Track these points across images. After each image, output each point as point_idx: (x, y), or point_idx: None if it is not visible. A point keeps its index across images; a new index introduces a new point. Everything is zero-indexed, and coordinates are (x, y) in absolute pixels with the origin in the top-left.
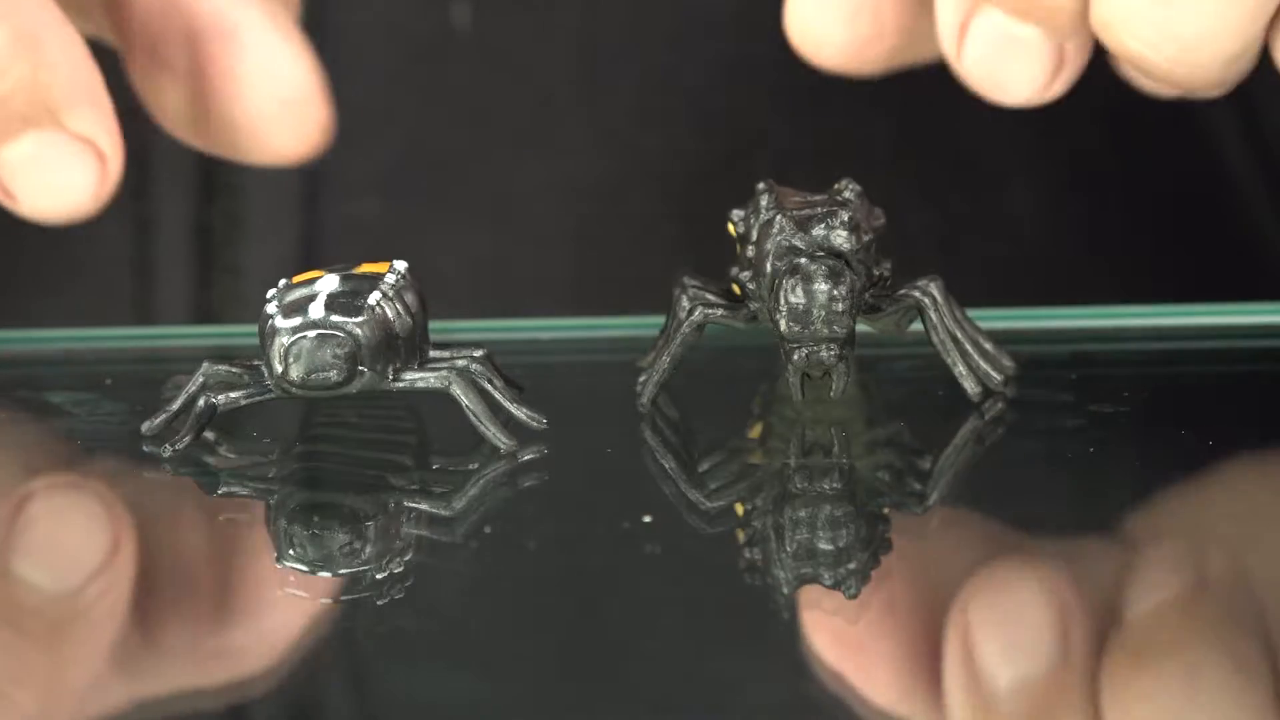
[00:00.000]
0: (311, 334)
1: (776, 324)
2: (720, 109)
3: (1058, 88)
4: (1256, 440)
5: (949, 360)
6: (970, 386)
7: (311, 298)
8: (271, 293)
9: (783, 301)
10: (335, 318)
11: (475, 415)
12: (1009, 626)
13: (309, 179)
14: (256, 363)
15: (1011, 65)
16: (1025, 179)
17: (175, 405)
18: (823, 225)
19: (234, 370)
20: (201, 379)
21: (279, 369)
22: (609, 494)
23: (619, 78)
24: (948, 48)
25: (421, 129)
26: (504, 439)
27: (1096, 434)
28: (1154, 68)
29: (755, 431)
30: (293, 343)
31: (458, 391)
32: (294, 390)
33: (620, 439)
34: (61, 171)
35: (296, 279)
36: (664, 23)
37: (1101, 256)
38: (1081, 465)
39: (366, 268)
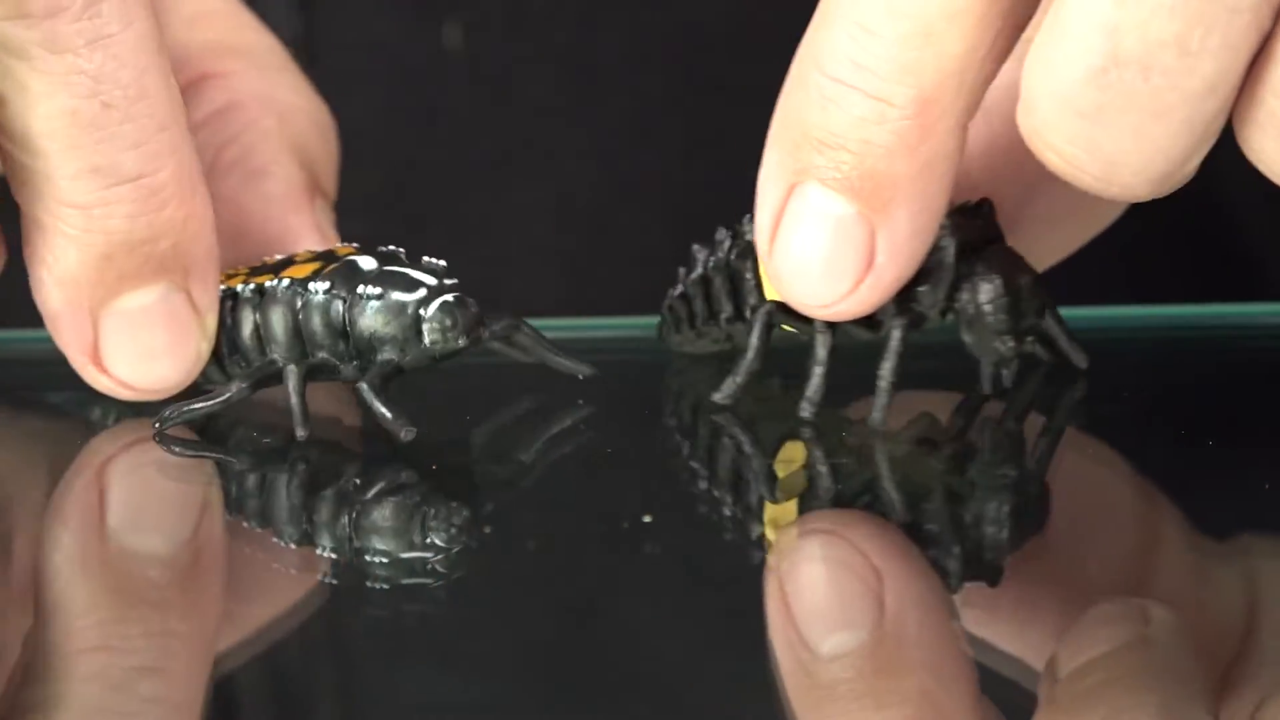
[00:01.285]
0: (449, 297)
1: (978, 318)
2: (713, 129)
3: (867, 295)
4: (1256, 439)
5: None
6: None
7: (390, 273)
8: (320, 285)
9: (983, 295)
10: (448, 281)
11: (546, 349)
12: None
13: None
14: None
15: (817, 258)
16: None
17: (209, 405)
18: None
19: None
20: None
21: (434, 336)
22: (609, 493)
23: (612, 98)
24: (760, 242)
25: (413, 150)
26: (581, 366)
27: (1097, 434)
28: (1081, 184)
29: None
30: (443, 304)
31: (526, 332)
32: (435, 356)
33: (623, 438)
34: (168, 341)
35: (302, 267)
36: (656, 43)
37: (1102, 257)
38: (1082, 465)
39: (336, 248)
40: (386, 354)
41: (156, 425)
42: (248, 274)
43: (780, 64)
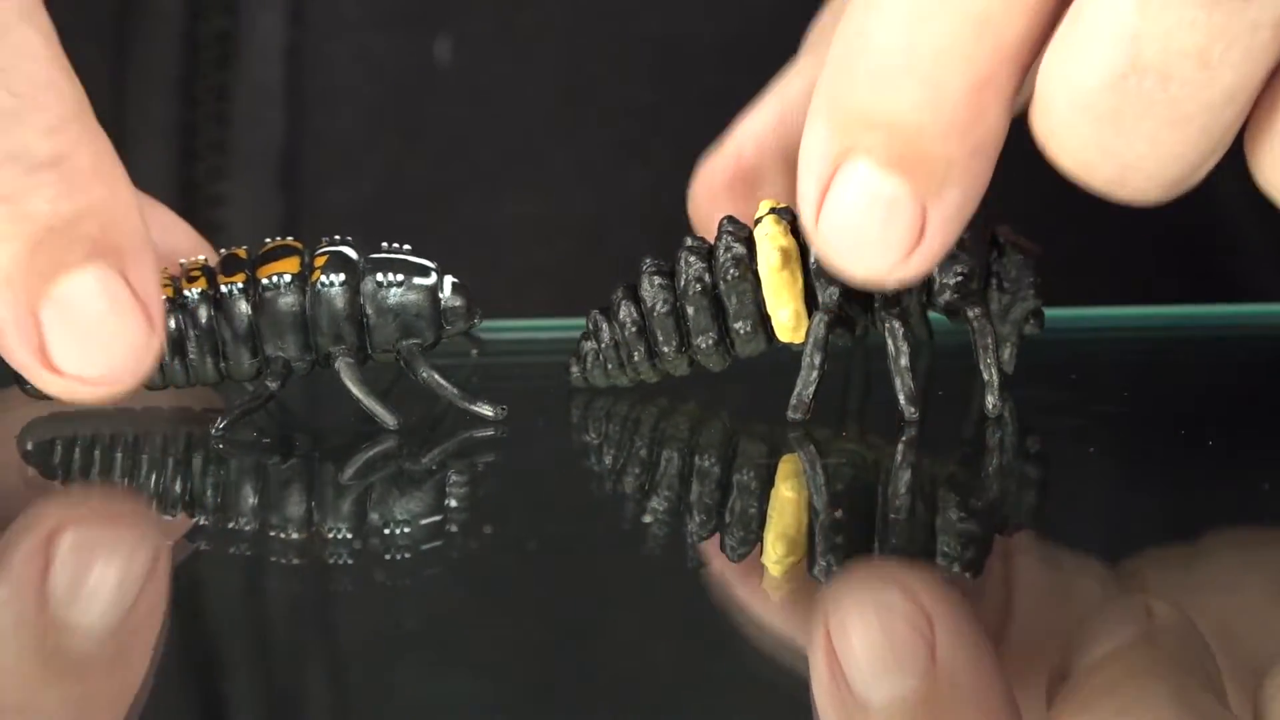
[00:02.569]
0: (453, 277)
1: (1015, 299)
2: (701, 143)
3: (917, 264)
4: (1255, 439)
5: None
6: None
7: (393, 260)
8: (335, 277)
9: (1022, 274)
10: (431, 262)
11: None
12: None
13: (289, 214)
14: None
15: (867, 230)
16: (1025, 185)
17: (253, 405)
18: None
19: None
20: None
21: (460, 313)
22: (606, 495)
23: (600, 112)
24: (805, 212)
25: (402, 164)
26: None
27: (1096, 433)
28: (1093, 187)
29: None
30: (454, 285)
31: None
32: (458, 329)
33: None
34: (113, 324)
35: (282, 263)
36: (646, 58)
37: (1101, 257)
38: (1081, 465)
39: (281, 242)
40: (411, 339)
41: (215, 432)
42: (209, 275)
43: (768, 77)
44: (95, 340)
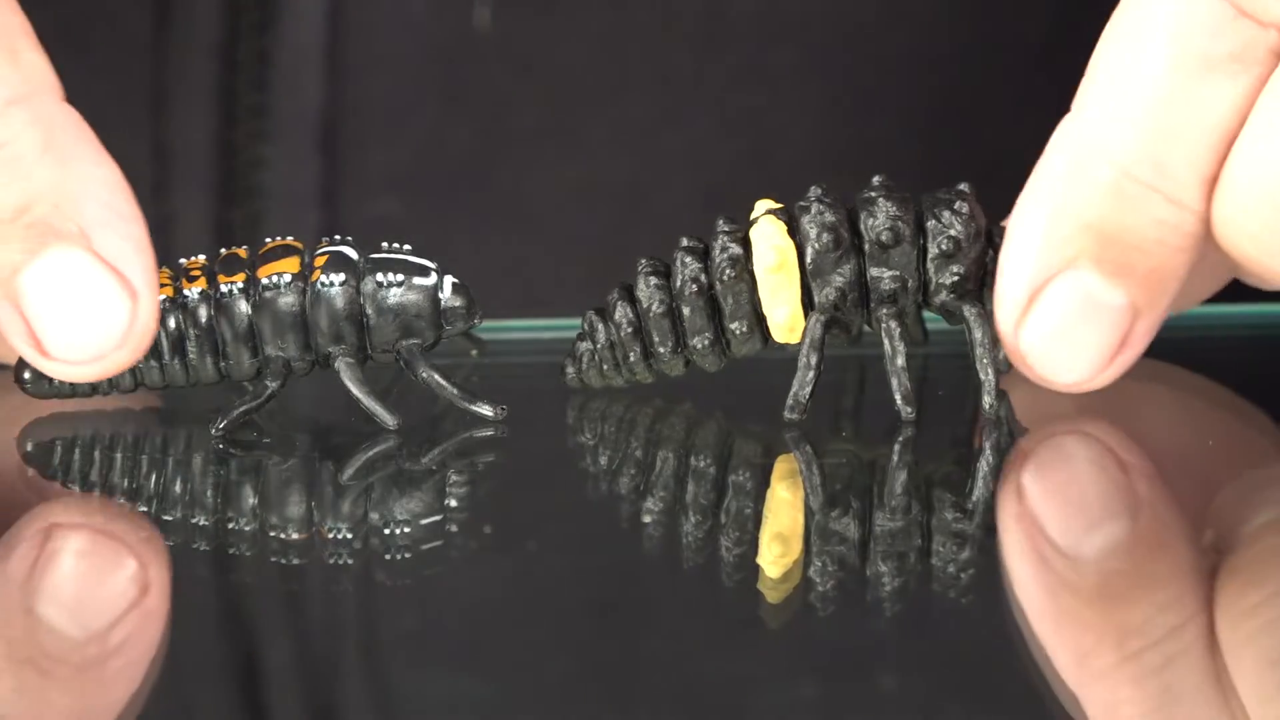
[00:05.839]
0: (453, 278)
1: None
2: (742, 110)
3: (1112, 372)
4: (1255, 440)
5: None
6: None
7: (394, 260)
8: (335, 277)
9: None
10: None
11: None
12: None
13: (328, 178)
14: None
15: (1077, 339)
16: (1024, 186)
17: (254, 404)
18: None
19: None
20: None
21: (460, 313)
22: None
23: (641, 79)
24: (1006, 314)
25: (441, 130)
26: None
27: (1094, 434)
28: (1266, 271)
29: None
30: (455, 285)
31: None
32: (458, 329)
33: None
34: (88, 300)
35: (281, 263)
36: (686, 25)
37: None
38: (1079, 466)
39: (281, 242)
40: (411, 339)
41: (215, 432)
42: (209, 274)
43: (808, 45)
44: (76, 320)
